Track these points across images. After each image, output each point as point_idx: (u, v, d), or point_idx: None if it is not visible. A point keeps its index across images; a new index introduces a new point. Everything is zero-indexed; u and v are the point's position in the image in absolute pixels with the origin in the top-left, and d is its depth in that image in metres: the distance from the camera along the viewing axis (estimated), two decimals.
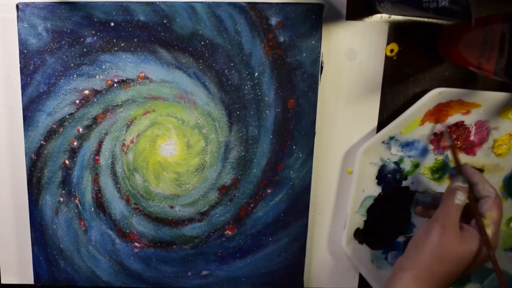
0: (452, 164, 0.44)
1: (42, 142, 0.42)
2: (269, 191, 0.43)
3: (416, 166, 0.44)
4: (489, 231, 0.34)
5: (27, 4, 0.40)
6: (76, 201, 0.43)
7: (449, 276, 0.34)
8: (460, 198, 0.35)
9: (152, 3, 0.40)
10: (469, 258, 0.34)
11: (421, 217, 0.42)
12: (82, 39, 0.40)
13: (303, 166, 0.42)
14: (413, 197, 0.45)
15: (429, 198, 0.41)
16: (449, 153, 0.43)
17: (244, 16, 0.40)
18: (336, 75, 0.42)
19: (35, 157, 0.42)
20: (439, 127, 0.43)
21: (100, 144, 0.43)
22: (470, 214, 0.36)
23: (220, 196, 0.43)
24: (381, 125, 0.43)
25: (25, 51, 0.40)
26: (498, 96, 0.41)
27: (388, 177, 0.44)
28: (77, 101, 0.42)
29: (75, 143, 0.42)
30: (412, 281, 0.34)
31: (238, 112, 0.42)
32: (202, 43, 0.40)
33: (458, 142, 0.43)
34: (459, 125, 0.43)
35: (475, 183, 0.36)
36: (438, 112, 0.42)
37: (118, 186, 0.43)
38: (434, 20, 0.41)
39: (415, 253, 0.35)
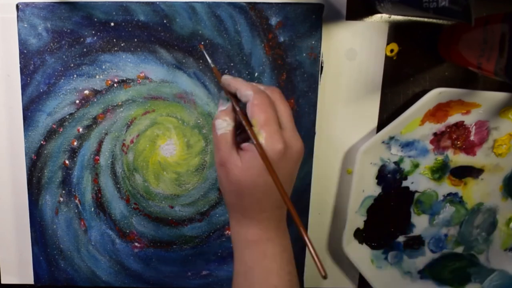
0: (452, 164, 0.44)
1: (42, 142, 0.42)
2: None
3: (416, 166, 0.44)
4: (261, 138, 0.29)
5: (27, 4, 0.40)
6: (76, 201, 0.43)
7: (265, 202, 0.31)
8: (220, 127, 0.31)
9: (152, 3, 0.40)
10: (263, 175, 0.30)
11: None
12: (82, 39, 0.40)
13: (303, 166, 0.42)
14: (412, 197, 0.45)
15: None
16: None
17: (244, 16, 0.40)
18: (336, 75, 0.42)
19: (35, 157, 0.42)
20: (439, 127, 0.43)
21: (100, 144, 0.43)
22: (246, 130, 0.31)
23: (220, 196, 0.43)
24: (381, 125, 0.43)
25: (25, 51, 0.40)
26: (498, 96, 0.41)
27: (388, 177, 0.44)
28: (77, 101, 0.42)
29: (75, 143, 0.42)
30: (237, 225, 0.33)
31: None
32: (202, 43, 0.40)
33: (458, 142, 0.43)
34: (459, 125, 0.43)
35: (235, 92, 0.32)
36: (438, 112, 0.42)
37: (118, 186, 0.43)
38: (434, 20, 0.41)
39: (224, 198, 0.33)
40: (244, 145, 0.31)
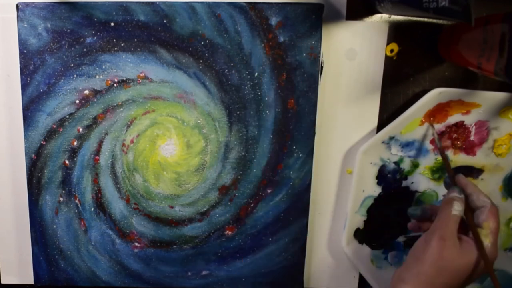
0: (452, 164, 0.44)
1: (42, 142, 0.42)
2: (269, 191, 0.43)
3: (416, 166, 0.44)
4: (487, 241, 0.34)
5: (27, 4, 0.40)
6: (76, 201, 0.43)
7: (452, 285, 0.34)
8: (457, 209, 0.35)
9: (152, 3, 0.40)
10: (468, 270, 0.33)
11: (413, 231, 0.41)
12: (82, 39, 0.40)
13: (303, 166, 0.42)
14: (412, 197, 0.45)
15: (419, 211, 0.40)
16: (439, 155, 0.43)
17: (244, 16, 0.40)
18: (336, 75, 0.42)
19: (35, 157, 0.42)
20: (439, 127, 0.43)
21: (100, 144, 0.43)
22: (468, 225, 0.35)
23: (220, 196, 0.43)
24: (381, 125, 0.43)
25: (25, 51, 0.40)
26: (498, 96, 0.41)
27: (388, 177, 0.44)
28: (77, 101, 0.42)
29: (75, 143, 0.42)
30: None
31: (238, 112, 0.42)
32: (202, 43, 0.40)
33: (458, 142, 0.43)
34: (459, 125, 0.43)
35: (469, 193, 0.36)
36: (438, 112, 0.42)
37: (118, 186, 0.43)
38: (434, 20, 0.41)
39: (414, 266, 0.34)
40: (464, 236, 0.35)
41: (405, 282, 0.34)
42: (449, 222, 0.34)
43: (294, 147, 0.42)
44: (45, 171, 0.43)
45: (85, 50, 0.41)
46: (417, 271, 0.34)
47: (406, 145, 0.43)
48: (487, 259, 0.33)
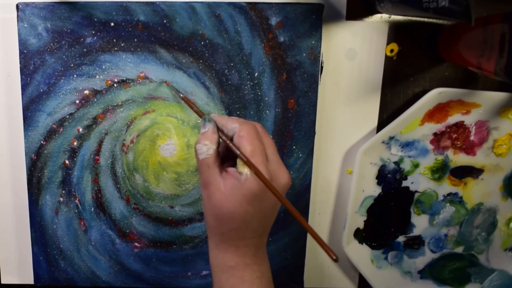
0: (452, 164, 0.44)
1: (42, 142, 0.42)
2: None
3: (416, 166, 0.44)
4: (247, 169, 0.29)
5: (27, 4, 0.40)
6: (76, 201, 0.43)
7: (244, 230, 0.31)
8: (201, 151, 0.31)
9: (152, 3, 0.40)
10: (249, 203, 0.30)
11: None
12: (82, 39, 0.40)
13: (303, 166, 0.42)
14: (412, 197, 0.45)
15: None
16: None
17: (244, 16, 0.40)
18: (336, 75, 0.42)
19: (35, 157, 0.42)
20: (439, 127, 0.43)
21: (100, 144, 0.43)
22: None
23: None
24: (381, 125, 0.43)
25: (25, 51, 0.40)
26: (498, 96, 0.41)
27: (388, 177, 0.44)
28: (77, 101, 0.42)
29: (75, 143, 0.42)
30: (215, 249, 0.32)
31: (238, 112, 0.42)
32: (202, 43, 0.40)
33: (458, 142, 0.43)
34: (459, 125, 0.43)
35: (221, 127, 0.32)
36: (438, 112, 0.42)
37: (118, 186, 0.43)
38: (434, 20, 0.41)
39: (206, 220, 0.32)
40: (230, 169, 0.31)
41: (209, 237, 0.33)
42: (203, 169, 0.31)
43: (294, 147, 0.42)
44: (45, 171, 0.43)
45: (85, 50, 0.41)
46: (207, 225, 0.32)
47: (406, 145, 0.43)
48: (269, 184, 0.29)
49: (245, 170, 0.29)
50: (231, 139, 0.32)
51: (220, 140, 0.33)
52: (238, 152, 0.30)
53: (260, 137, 0.31)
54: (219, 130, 0.33)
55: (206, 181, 0.31)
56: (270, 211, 0.32)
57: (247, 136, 0.30)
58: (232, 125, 0.31)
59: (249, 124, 0.31)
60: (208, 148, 0.31)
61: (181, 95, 0.39)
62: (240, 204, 0.30)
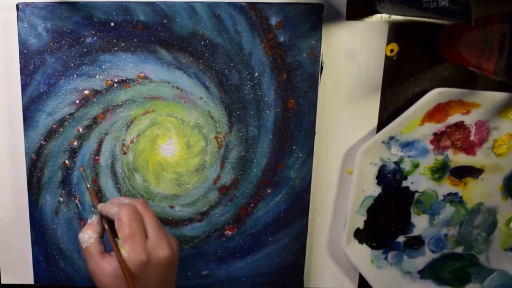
0: (452, 164, 0.44)
1: (42, 142, 0.42)
2: (269, 191, 0.43)
3: (416, 166, 0.44)
4: (124, 251, 0.32)
5: (27, 4, 0.40)
6: (76, 201, 0.43)
7: None
8: (83, 240, 0.34)
9: (152, 3, 0.40)
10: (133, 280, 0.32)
11: None
12: (82, 39, 0.40)
13: (303, 166, 0.42)
14: (412, 197, 0.45)
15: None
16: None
17: (244, 16, 0.40)
18: (336, 75, 0.42)
19: (35, 157, 0.42)
20: (439, 127, 0.43)
21: (100, 144, 0.43)
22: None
23: (220, 196, 0.43)
24: (381, 125, 0.43)
25: (25, 51, 0.40)
26: (498, 96, 0.41)
27: (388, 177, 0.44)
28: (77, 101, 0.42)
29: (75, 143, 0.42)
30: None
31: (238, 112, 0.42)
32: (202, 43, 0.40)
33: (458, 142, 0.43)
34: (459, 125, 0.43)
35: (105, 214, 0.35)
36: (438, 112, 0.42)
37: (118, 186, 0.43)
38: (434, 20, 0.41)
39: None
40: (112, 252, 0.34)
41: None
42: (86, 257, 0.34)
43: (294, 147, 0.42)
44: (45, 171, 0.43)
45: (85, 50, 0.41)
46: None
47: (406, 145, 0.43)
48: (124, 268, 0.31)
49: (123, 252, 0.32)
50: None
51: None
52: (112, 242, 0.33)
53: (140, 216, 0.34)
54: (103, 218, 0.36)
55: (92, 269, 0.34)
56: (160, 283, 0.33)
57: (125, 218, 0.33)
58: (113, 209, 0.34)
59: (128, 206, 0.34)
60: (89, 237, 0.35)
61: (88, 186, 0.41)
62: (126, 282, 0.32)
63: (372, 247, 0.46)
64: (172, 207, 0.44)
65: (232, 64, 0.41)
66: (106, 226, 0.36)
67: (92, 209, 0.37)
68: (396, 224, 0.45)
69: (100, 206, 0.36)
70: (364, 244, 0.45)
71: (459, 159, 0.44)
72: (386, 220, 0.45)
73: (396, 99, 0.43)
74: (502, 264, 0.46)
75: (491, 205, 0.45)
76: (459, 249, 0.46)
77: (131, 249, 0.32)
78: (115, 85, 0.41)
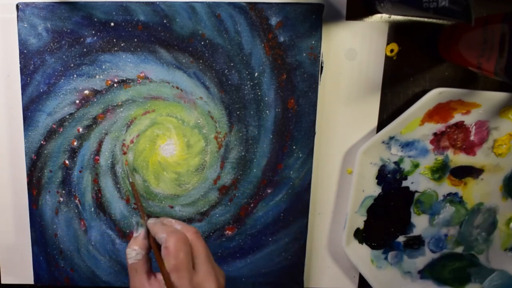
0: (452, 164, 0.44)
1: (42, 142, 0.42)
2: (269, 191, 0.43)
3: (416, 166, 0.44)
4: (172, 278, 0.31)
5: (27, 4, 0.40)
6: (76, 201, 0.43)
7: None
8: (130, 256, 0.33)
9: (152, 3, 0.40)
10: None
11: None
12: (82, 39, 0.40)
13: (303, 166, 0.42)
14: (412, 197, 0.45)
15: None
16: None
17: (244, 16, 0.40)
18: (336, 75, 0.42)
19: (35, 157, 0.42)
20: (439, 127, 0.43)
21: (100, 144, 0.43)
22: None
23: (220, 196, 0.43)
24: (381, 125, 0.43)
25: (25, 51, 0.40)
26: (498, 96, 0.41)
27: (388, 177, 0.44)
28: (77, 101, 0.42)
29: (75, 143, 0.42)
30: None
31: (238, 112, 0.42)
32: (202, 43, 0.40)
33: (458, 142, 0.43)
34: (459, 125, 0.43)
35: (154, 234, 0.34)
36: (438, 112, 0.42)
37: (118, 186, 0.43)
38: (434, 20, 0.41)
39: None
40: (158, 275, 0.32)
41: None
42: (131, 273, 0.33)
43: (294, 147, 0.42)
44: (45, 171, 0.43)
45: (85, 50, 0.41)
46: None
47: (406, 145, 0.43)
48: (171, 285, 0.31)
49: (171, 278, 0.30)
50: (160, 248, 0.32)
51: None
52: (160, 267, 0.31)
53: (189, 247, 0.32)
54: (150, 236, 0.34)
55: (135, 287, 0.32)
56: None
57: (172, 248, 0.31)
58: (161, 234, 0.32)
59: (177, 234, 0.32)
60: (137, 253, 0.33)
61: (139, 203, 0.40)
62: None
63: (372, 247, 0.46)
64: (172, 207, 0.44)
65: (232, 64, 0.41)
66: (153, 246, 0.34)
67: (139, 220, 0.35)
68: (396, 224, 0.45)
69: (150, 224, 0.35)
70: (364, 244, 0.45)
71: (459, 159, 0.44)
72: (386, 220, 0.45)
73: (396, 99, 0.43)
74: (502, 264, 0.46)
75: (491, 205, 0.45)
76: (459, 249, 0.46)
77: (176, 282, 0.31)
78: (115, 85, 0.41)
